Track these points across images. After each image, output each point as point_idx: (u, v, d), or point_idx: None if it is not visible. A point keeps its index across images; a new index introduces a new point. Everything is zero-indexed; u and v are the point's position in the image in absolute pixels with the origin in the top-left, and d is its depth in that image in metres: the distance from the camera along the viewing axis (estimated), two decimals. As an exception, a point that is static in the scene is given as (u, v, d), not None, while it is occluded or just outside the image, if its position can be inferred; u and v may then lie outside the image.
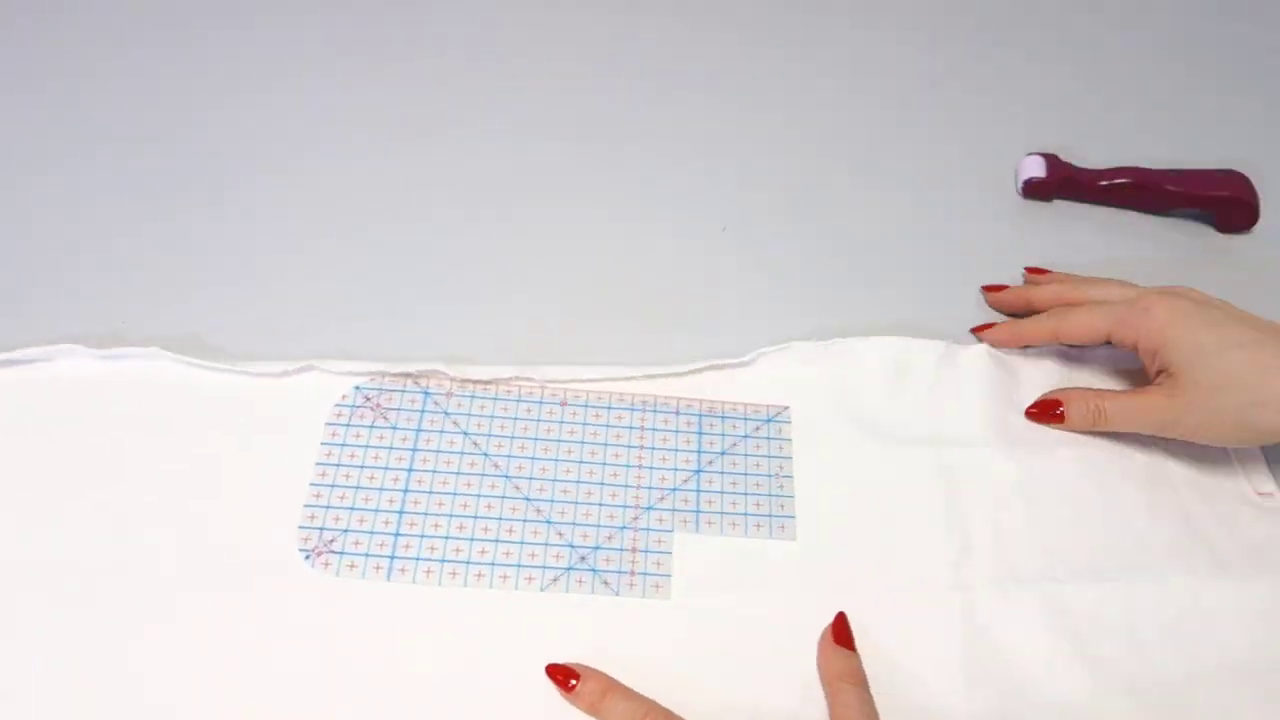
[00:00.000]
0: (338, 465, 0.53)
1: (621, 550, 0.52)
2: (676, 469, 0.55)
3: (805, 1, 0.81)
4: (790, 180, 0.69)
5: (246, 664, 0.47)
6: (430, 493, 0.53)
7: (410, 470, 0.53)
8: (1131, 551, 0.53)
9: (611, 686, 0.46)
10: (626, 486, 0.54)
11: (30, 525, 0.50)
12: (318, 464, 0.53)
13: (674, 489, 0.54)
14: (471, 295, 0.61)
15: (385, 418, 0.55)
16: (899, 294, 0.63)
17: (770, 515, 0.53)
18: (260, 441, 0.54)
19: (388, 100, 0.72)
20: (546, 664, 0.47)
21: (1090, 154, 0.69)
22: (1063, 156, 0.69)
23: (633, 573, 0.51)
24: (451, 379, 0.56)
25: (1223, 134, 0.73)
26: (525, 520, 0.52)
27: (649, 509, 0.53)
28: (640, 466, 0.55)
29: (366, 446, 0.54)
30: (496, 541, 0.51)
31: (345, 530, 0.51)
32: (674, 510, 0.53)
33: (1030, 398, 0.58)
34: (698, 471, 0.55)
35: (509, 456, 0.54)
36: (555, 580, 0.50)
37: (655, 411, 0.57)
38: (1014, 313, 0.62)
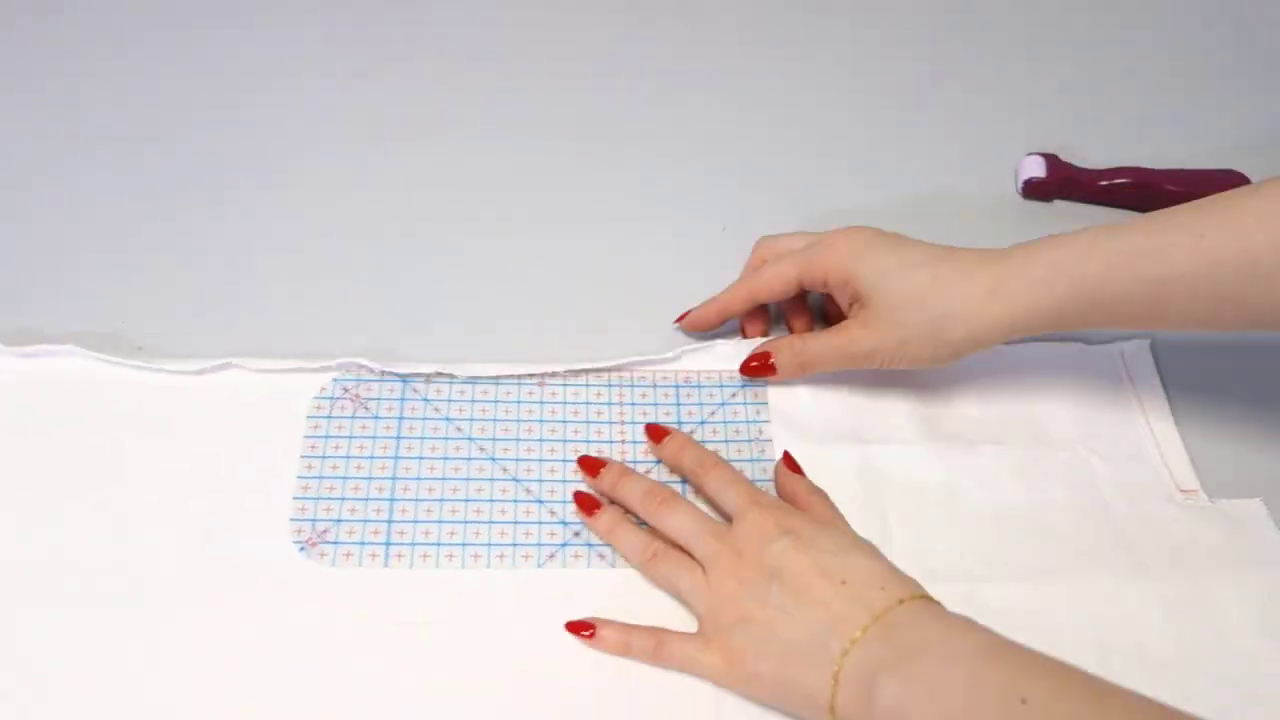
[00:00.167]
0: (323, 457, 0.53)
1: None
2: (659, 440, 0.56)
3: (805, 2, 0.81)
4: (790, 180, 0.69)
5: (250, 659, 0.47)
6: (419, 479, 0.53)
7: (397, 458, 0.54)
8: (1051, 551, 0.52)
9: (624, 520, 0.51)
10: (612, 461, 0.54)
11: (25, 525, 0.50)
12: (303, 457, 0.53)
13: (658, 460, 0.55)
14: (472, 295, 0.62)
15: (366, 408, 0.55)
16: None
17: (753, 479, 0.54)
18: (242, 438, 0.54)
19: (384, 100, 0.72)
20: (575, 492, 0.52)
21: (1090, 154, 0.70)
22: (1063, 156, 0.69)
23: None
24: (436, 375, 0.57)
25: (1223, 134, 0.73)
26: (516, 501, 0.53)
27: (636, 481, 0.54)
28: (623, 441, 0.55)
29: (350, 437, 0.54)
30: (490, 523, 0.52)
31: (338, 520, 0.51)
32: (661, 480, 0.54)
33: (962, 398, 0.58)
34: (680, 442, 0.56)
35: (493, 439, 0.55)
36: (552, 556, 0.51)
37: (633, 386, 0.57)
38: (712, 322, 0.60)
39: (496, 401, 0.56)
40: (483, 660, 0.47)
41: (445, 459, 0.54)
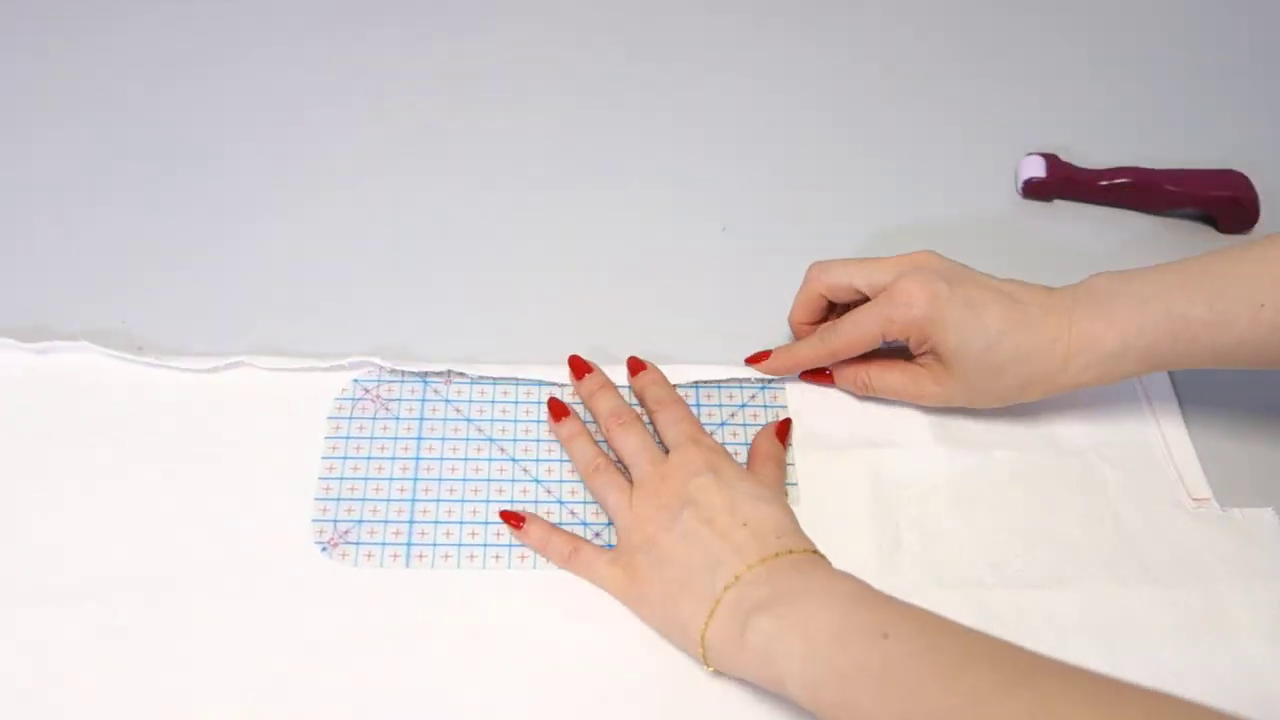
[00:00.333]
0: (344, 458, 0.53)
1: (633, 525, 0.52)
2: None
3: (805, 2, 0.81)
4: (790, 180, 0.69)
5: (271, 660, 0.47)
6: (440, 479, 0.53)
7: (418, 459, 0.54)
8: (1061, 559, 0.52)
9: (583, 431, 0.54)
10: (632, 462, 0.54)
11: (36, 521, 0.50)
12: (324, 457, 0.53)
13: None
14: (471, 295, 0.62)
15: (387, 408, 0.55)
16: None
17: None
18: (259, 437, 0.54)
19: (388, 101, 0.72)
20: (549, 398, 0.55)
21: (1090, 154, 0.70)
22: (1062, 156, 0.69)
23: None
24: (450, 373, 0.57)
25: (1223, 134, 0.73)
26: (537, 501, 0.53)
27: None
28: (644, 442, 0.55)
29: (371, 438, 0.54)
30: (511, 523, 0.52)
31: (359, 521, 0.51)
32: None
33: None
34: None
35: (514, 440, 0.55)
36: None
37: (653, 388, 0.58)
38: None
39: (517, 402, 0.56)
40: (504, 660, 0.47)
41: (466, 460, 0.54)
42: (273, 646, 0.47)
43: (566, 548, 0.50)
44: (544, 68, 0.75)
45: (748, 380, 0.58)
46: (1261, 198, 0.67)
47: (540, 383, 0.57)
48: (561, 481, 0.54)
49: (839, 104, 0.75)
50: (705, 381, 0.58)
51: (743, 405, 0.57)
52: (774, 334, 0.60)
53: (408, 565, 0.50)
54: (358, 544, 0.50)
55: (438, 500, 0.52)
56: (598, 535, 0.52)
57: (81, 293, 0.59)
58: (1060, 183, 0.68)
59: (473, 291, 0.62)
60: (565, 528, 0.52)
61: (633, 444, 0.52)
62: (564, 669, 0.47)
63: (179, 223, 0.64)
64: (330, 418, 0.55)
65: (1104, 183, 0.68)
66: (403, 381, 0.56)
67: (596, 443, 0.54)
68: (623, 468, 0.53)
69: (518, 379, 0.57)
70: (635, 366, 0.57)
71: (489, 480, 0.53)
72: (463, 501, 0.52)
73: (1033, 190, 0.69)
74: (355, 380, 0.56)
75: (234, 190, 0.65)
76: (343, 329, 0.59)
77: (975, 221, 0.68)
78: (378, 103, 0.71)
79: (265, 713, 0.45)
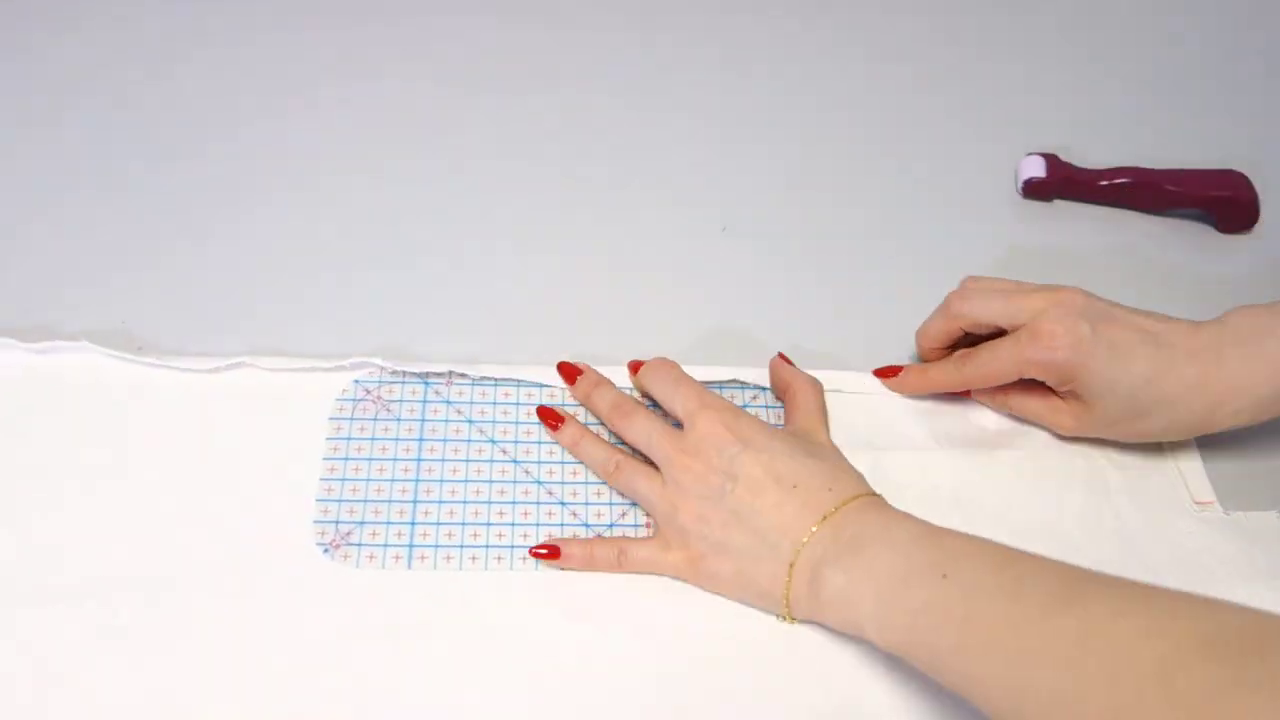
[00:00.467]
0: (345, 459, 0.53)
1: (636, 525, 0.52)
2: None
3: (806, 3, 0.81)
4: (790, 180, 0.69)
5: (272, 662, 0.47)
6: (442, 481, 0.53)
7: (419, 460, 0.54)
8: (1063, 560, 0.51)
9: (586, 433, 0.54)
10: (634, 462, 0.54)
11: (36, 521, 0.50)
12: (325, 458, 0.53)
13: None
14: (473, 296, 0.61)
15: (388, 409, 0.55)
16: (899, 293, 0.62)
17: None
18: (260, 438, 0.54)
19: (387, 101, 0.72)
20: (539, 406, 0.55)
21: (1090, 154, 0.70)
22: (1062, 156, 0.69)
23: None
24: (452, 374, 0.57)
25: (1223, 134, 0.74)
26: (539, 502, 0.53)
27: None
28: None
29: (373, 439, 0.54)
30: (513, 525, 0.52)
31: (361, 522, 0.51)
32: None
33: (978, 406, 0.58)
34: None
35: (515, 441, 0.55)
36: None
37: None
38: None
39: (518, 404, 0.56)
40: (505, 661, 0.47)
41: (468, 461, 0.54)
42: (273, 647, 0.47)
43: (613, 553, 0.50)
44: (545, 69, 0.75)
45: (749, 382, 0.58)
46: (1261, 198, 0.68)
47: (542, 384, 0.57)
48: (563, 483, 0.54)
49: (840, 104, 0.75)
50: (707, 383, 0.57)
51: (744, 406, 0.57)
52: (775, 334, 0.60)
53: (409, 567, 0.50)
54: (359, 545, 0.50)
55: (439, 501, 0.52)
56: (600, 536, 0.52)
57: (81, 293, 0.59)
58: (1060, 183, 0.68)
59: (474, 292, 0.62)
60: (567, 528, 0.52)
61: (643, 429, 0.52)
62: (564, 669, 0.47)
63: (180, 223, 0.63)
64: (331, 418, 0.55)
65: (1104, 182, 0.68)
66: (404, 382, 0.56)
67: (603, 439, 0.54)
68: (640, 456, 0.53)
69: (519, 380, 0.57)
70: (636, 366, 0.57)
71: (490, 481, 0.53)
72: (464, 503, 0.52)
73: (1033, 190, 0.69)
74: (356, 381, 0.56)
75: (235, 191, 0.65)
76: (344, 329, 0.59)
77: (975, 221, 0.68)
78: (379, 104, 0.71)
79: (265, 713, 0.45)
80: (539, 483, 0.53)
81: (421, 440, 0.54)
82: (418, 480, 0.53)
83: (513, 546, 0.51)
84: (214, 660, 0.46)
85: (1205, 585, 0.50)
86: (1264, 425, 0.57)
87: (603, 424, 0.55)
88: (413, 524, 0.51)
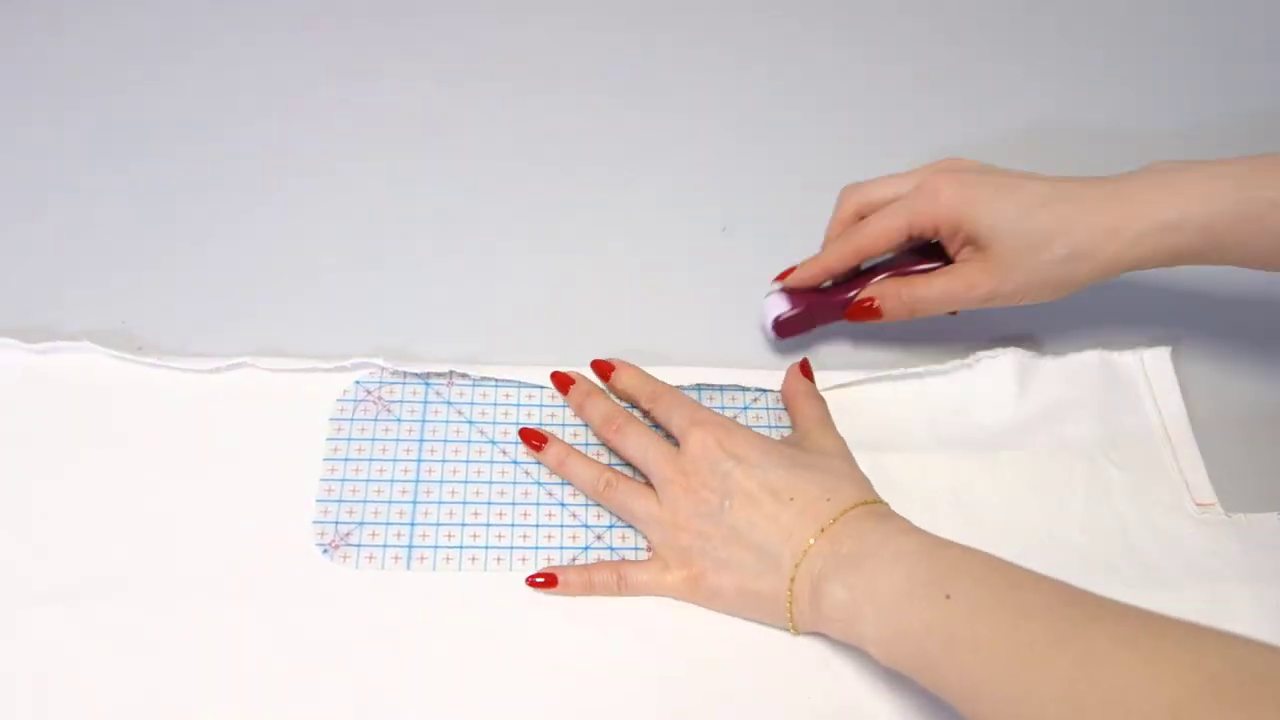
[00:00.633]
0: (346, 459, 0.53)
1: (635, 526, 0.52)
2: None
3: (804, 4, 0.81)
4: (791, 180, 0.69)
5: (271, 663, 0.47)
6: (442, 482, 0.53)
7: (419, 460, 0.54)
8: (1064, 562, 0.50)
9: (572, 452, 0.53)
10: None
11: (36, 522, 0.50)
12: (325, 459, 0.53)
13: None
14: (473, 296, 0.61)
15: (388, 410, 0.55)
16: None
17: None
18: (261, 438, 0.54)
19: (387, 101, 0.72)
20: (521, 428, 0.54)
21: (1091, 153, 0.69)
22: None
23: (649, 547, 0.52)
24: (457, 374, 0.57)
25: (1223, 133, 0.73)
26: (539, 504, 0.53)
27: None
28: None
29: (373, 440, 0.54)
30: (513, 526, 0.52)
31: (360, 523, 0.51)
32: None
33: (979, 406, 0.57)
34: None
35: (516, 442, 0.55)
36: (574, 560, 0.51)
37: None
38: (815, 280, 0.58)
39: (519, 405, 0.56)
40: (505, 661, 0.47)
41: (468, 461, 0.54)
42: (272, 647, 0.47)
43: (612, 578, 0.50)
44: (545, 69, 0.75)
45: (750, 384, 0.58)
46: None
47: (543, 386, 0.57)
48: (563, 484, 0.53)
49: (840, 104, 0.75)
50: (708, 385, 0.58)
51: (745, 408, 0.57)
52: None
53: (409, 567, 0.50)
54: (359, 546, 0.50)
55: (439, 502, 0.52)
56: (600, 537, 0.52)
57: (81, 293, 0.59)
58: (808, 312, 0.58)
59: (475, 293, 0.62)
60: (565, 529, 0.52)
61: (638, 445, 0.52)
62: (563, 670, 0.47)
63: (181, 223, 0.63)
64: (332, 419, 0.55)
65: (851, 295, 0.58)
66: (404, 383, 0.56)
67: (589, 458, 0.53)
68: (631, 470, 0.53)
69: (520, 381, 0.57)
70: (605, 368, 0.56)
71: (490, 482, 0.53)
72: (464, 503, 0.52)
73: (782, 328, 0.58)
74: (357, 381, 0.56)
75: (235, 191, 0.65)
76: (345, 330, 0.59)
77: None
78: (379, 104, 0.71)
79: (265, 713, 0.45)
80: (539, 483, 0.53)
81: (422, 441, 0.54)
82: (418, 481, 0.53)
83: (512, 547, 0.51)
84: (214, 660, 0.46)
85: (1206, 587, 0.51)
86: (1264, 426, 0.58)
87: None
88: (412, 525, 0.51)
